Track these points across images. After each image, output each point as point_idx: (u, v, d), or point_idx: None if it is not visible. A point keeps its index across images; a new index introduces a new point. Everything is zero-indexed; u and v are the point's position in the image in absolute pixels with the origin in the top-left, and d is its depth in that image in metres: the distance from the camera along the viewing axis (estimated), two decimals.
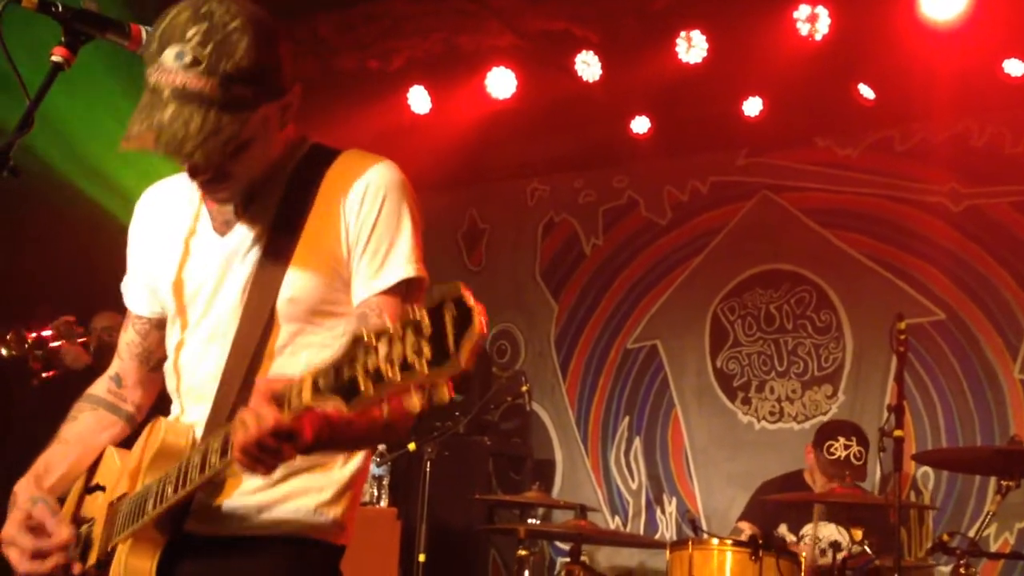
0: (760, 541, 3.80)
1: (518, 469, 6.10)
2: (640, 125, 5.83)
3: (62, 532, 1.70)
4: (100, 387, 1.98)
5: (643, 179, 6.26)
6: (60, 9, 1.72)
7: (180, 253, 1.81)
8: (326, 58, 5.85)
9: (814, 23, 4.89)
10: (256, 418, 1.39)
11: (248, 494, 1.68)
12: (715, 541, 4.08)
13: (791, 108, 5.50)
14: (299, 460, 1.66)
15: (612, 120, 5.90)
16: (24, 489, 1.79)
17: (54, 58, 1.72)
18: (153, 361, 1.93)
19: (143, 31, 1.78)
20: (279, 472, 1.65)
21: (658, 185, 6.20)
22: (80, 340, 4.65)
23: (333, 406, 1.29)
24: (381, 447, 5.10)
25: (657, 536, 5.73)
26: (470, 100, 5.91)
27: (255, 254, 1.73)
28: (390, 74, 6.02)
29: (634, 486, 5.95)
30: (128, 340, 1.96)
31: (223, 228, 1.79)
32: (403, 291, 1.73)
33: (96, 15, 1.75)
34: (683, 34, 5.26)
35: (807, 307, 5.66)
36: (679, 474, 5.84)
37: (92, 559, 1.72)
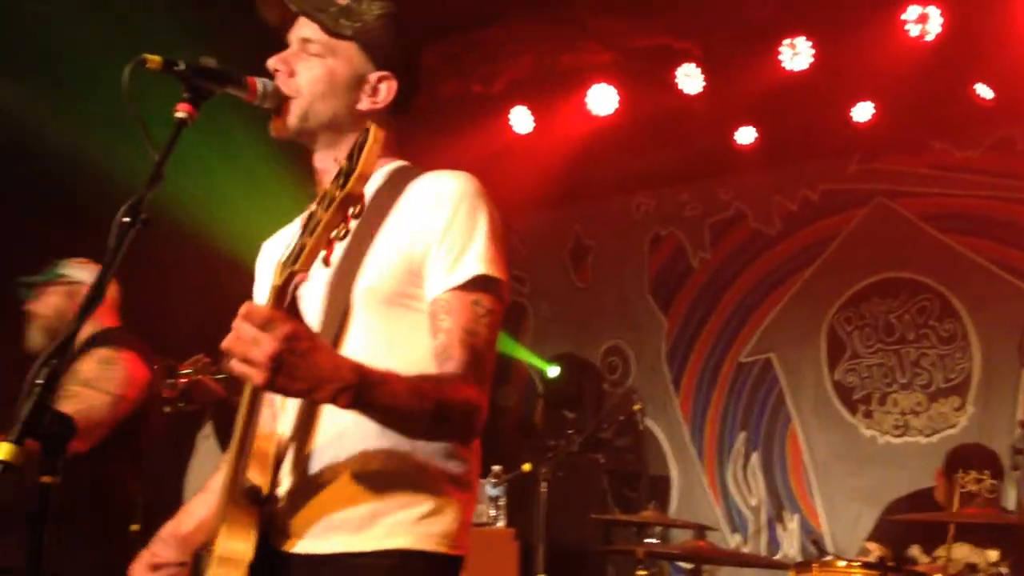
0: (890, 563, 3.67)
1: (633, 486, 6.06)
2: (745, 136, 5.75)
3: (171, 558, 1.79)
4: None
5: (750, 190, 6.16)
6: (182, 67, 1.76)
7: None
8: (430, 86, 5.95)
9: (925, 23, 4.74)
10: (238, 315, 1.42)
11: (344, 509, 1.68)
12: (841, 562, 3.95)
13: (904, 111, 5.33)
14: (383, 464, 1.67)
15: (716, 131, 5.83)
16: (160, 534, 1.89)
17: (178, 114, 1.75)
18: None
19: (259, 83, 1.85)
20: (367, 477, 1.67)
21: (766, 195, 6.09)
22: (215, 377, 4.84)
23: (288, 273, 1.41)
24: (496, 468, 5.14)
25: (779, 555, 5.61)
26: (572, 118, 5.92)
27: (338, 255, 1.76)
28: (492, 97, 6.09)
29: (753, 503, 5.84)
30: None
31: None
32: (476, 289, 1.71)
33: (215, 70, 1.80)
34: (787, 41, 5.16)
35: (929, 316, 5.47)
36: (800, 490, 5.71)
37: None
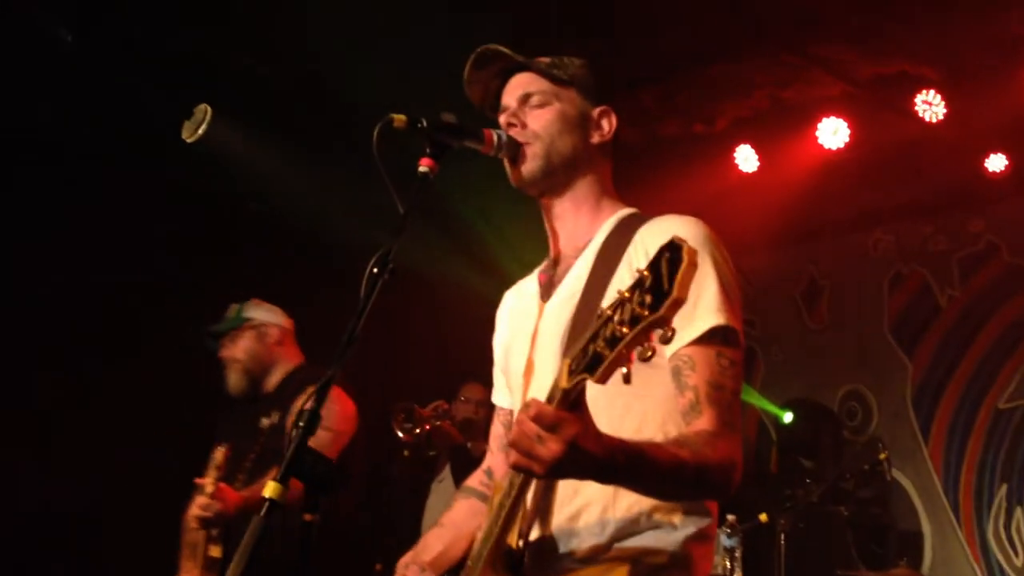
0: None
1: (880, 541, 5.69)
2: (996, 163, 5.40)
3: None
4: (474, 479, 2.11)
5: (1004, 220, 5.70)
6: (424, 124, 1.84)
7: (528, 342, 1.89)
8: (650, 127, 5.96)
9: None
10: (523, 410, 1.42)
11: (581, 561, 1.69)
12: None
13: None
14: (621, 518, 1.67)
15: (962, 160, 5.48)
16: (402, 561, 1.99)
17: (421, 169, 1.84)
18: None
19: (494, 134, 1.90)
20: (608, 533, 1.68)
21: (1022, 226, 5.61)
22: (450, 422, 4.99)
23: (580, 379, 1.36)
24: (730, 517, 4.97)
25: None
26: (800, 154, 5.76)
27: (569, 311, 1.79)
28: (715, 135, 6.01)
29: (1019, 563, 5.32)
30: (495, 433, 2.09)
31: (547, 293, 1.91)
32: (716, 341, 1.69)
33: (454, 126, 1.87)
34: None
35: None
36: None
37: None
